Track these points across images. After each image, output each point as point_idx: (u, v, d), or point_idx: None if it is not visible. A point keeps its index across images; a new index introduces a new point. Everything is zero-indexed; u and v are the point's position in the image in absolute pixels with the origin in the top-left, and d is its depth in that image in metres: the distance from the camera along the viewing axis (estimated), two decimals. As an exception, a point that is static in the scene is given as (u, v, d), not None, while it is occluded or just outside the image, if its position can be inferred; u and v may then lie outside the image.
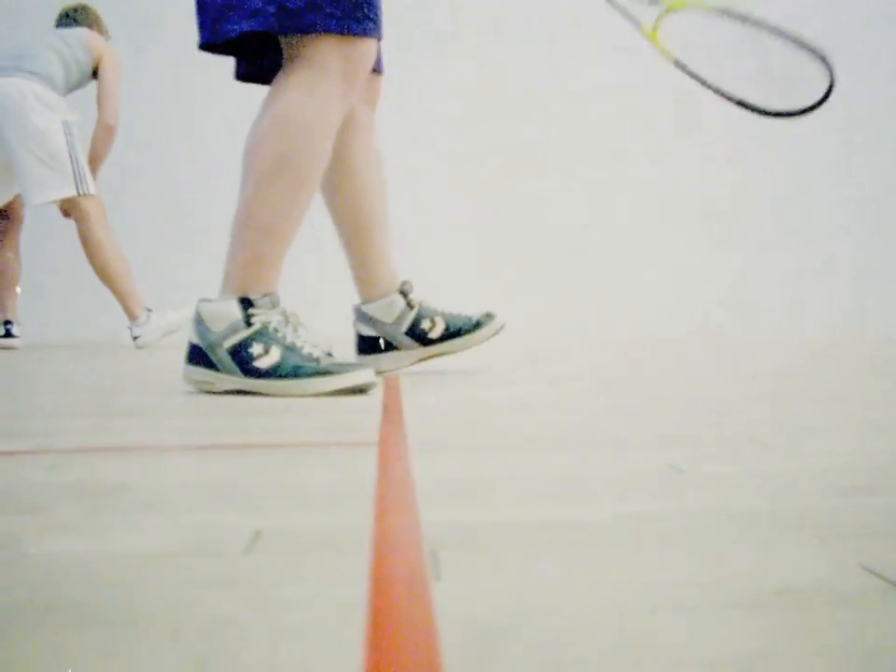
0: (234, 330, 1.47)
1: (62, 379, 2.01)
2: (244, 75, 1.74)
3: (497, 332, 1.93)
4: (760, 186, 5.03)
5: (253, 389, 1.46)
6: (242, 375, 1.46)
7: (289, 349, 1.45)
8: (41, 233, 4.64)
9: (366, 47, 1.56)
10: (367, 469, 0.76)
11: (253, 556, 0.50)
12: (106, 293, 3.74)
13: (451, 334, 1.90)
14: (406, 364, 1.92)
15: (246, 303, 1.48)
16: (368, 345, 1.92)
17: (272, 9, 1.50)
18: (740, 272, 4.97)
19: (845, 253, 5.03)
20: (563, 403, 1.38)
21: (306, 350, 1.46)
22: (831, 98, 1.83)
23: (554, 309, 4.71)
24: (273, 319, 1.48)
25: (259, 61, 1.72)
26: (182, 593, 0.44)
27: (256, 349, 1.45)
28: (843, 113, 5.08)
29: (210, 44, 1.59)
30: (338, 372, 1.43)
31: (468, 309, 2.01)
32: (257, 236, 1.52)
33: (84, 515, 0.60)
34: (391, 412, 1.21)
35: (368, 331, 1.92)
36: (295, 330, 1.51)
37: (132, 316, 3.45)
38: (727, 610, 0.41)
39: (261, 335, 1.46)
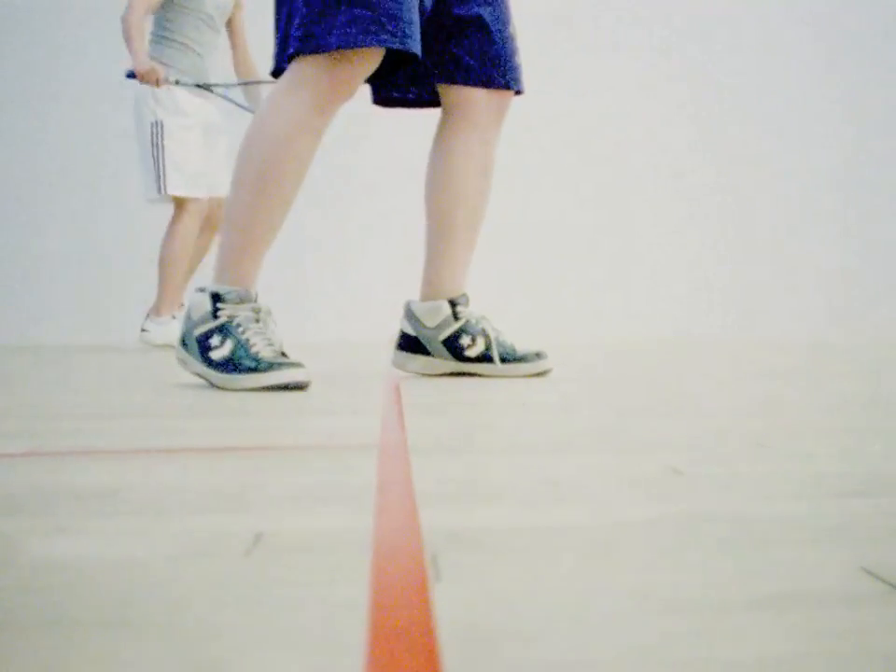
0: (204, 321, 1.61)
1: (59, 380, 2.01)
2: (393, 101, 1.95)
3: (538, 373, 1.89)
4: (754, 191, 5.03)
5: (204, 377, 1.60)
6: (201, 361, 1.60)
7: (241, 345, 1.57)
8: (43, 236, 4.65)
9: (346, 57, 1.61)
10: (367, 471, 0.76)
11: (254, 559, 0.50)
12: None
13: (486, 357, 1.89)
14: (435, 372, 1.92)
15: (216, 298, 1.62)
16: (405, 343, 1.93)
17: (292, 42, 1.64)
18: (738, 275, 4.97)
19: (842, 255, 5.03)
20: (562, 405, 1.38)
21: (255, 348, 1.56)
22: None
23: (552, 312, 4.71)
24: (240, 314, 1.61)
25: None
26: (182, 595, 0.44)
27: (215, 340, 1.59)
28: (838, 116, 5.08)
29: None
30: (267, 370, 1.53)
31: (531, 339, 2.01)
32: (233, 233, 1.67)
33: (83, 518, 0.60)
34: (392, 413, 1.21)
35: (408, 329, 1.93)
36: (265, 325, 1.62)
37: (156, 311, 3.56)
38: (727, 613, 0.41)
39: (223, 328, 1.59)
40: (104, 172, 4.68)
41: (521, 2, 4.80)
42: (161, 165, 3.46)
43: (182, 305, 3.55)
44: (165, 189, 3.46)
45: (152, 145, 3.46)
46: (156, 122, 3.46)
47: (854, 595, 0.43)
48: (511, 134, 4.72)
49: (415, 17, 1.65)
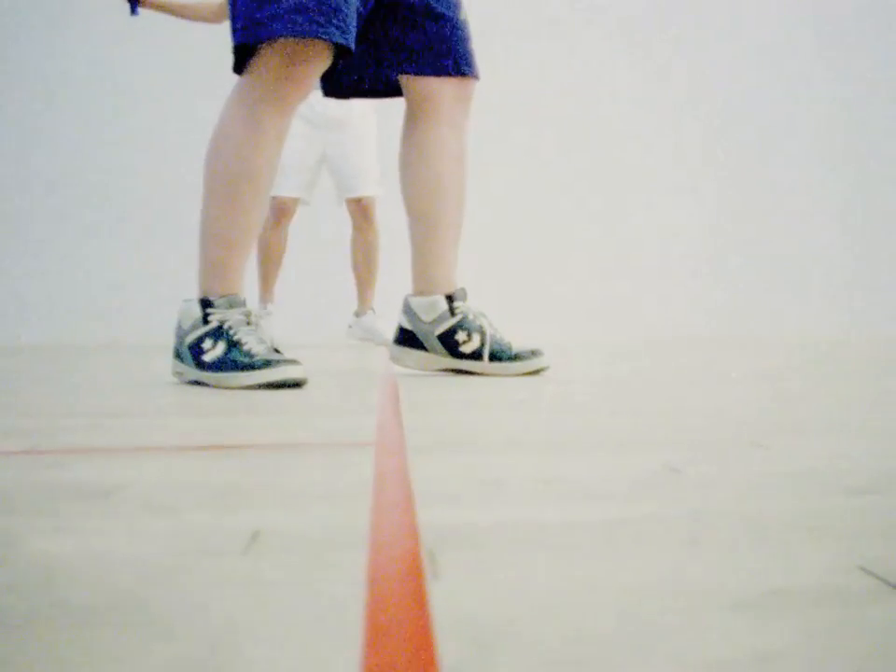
0: (195, 327, 1.62)
1: (57, 379, 2.01)
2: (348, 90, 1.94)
3: (533, 371, 1.87)
4: (756, 190, 5.03)
5: (200, 380, 1.60)
6: (195, 367, 1.61)
7: (234, 345, 1.57)
8: (42, 235, 4.64)
9: (297, 56, 1.61)
10: (364, 468, 0.76)
11: (251, 557, 0.50)
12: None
13: (482, 354, 1.88)
14: (430, 368, 1.91)
15: (206, 303, 1.63)
16: (402, 337, 1.92)
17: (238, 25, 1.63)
18: (739, 274, 4.97)
19: (844, 254, 5.04)
20: (560, 404, 1.38)
21: (247, 346, 1.57)
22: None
23: (553, 310, 4.71)
24: (231, 318, 1.61)
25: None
26: (180, 593, 0.44)
27: (207, 344, 1.60)
28: (843, 112, 5.09)
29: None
30: (264, 367, 1.53)
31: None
32: (209, 243, 1.68)
33: (81, 516, 0.60)
34: (389, 411, 1.21)
35: (405, 324, 1.92)
36: (257, 327, 1.63)
37: (260, 300, 3.72)
38: (725, 612, 0.41)
39: (215, 332, 1.60)
40: (103, 171, 4.67)
41: (521, 1, 4.80)
42: None
43: (267, 303, 3.70)
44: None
45: None
46: None
47: (852, 593, 0.43)
48: (511, 134, 4.72)
49: (354, 11, 1.65)
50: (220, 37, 3.73)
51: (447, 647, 0.36)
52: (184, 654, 0.36)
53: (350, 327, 3.86)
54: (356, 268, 3.78)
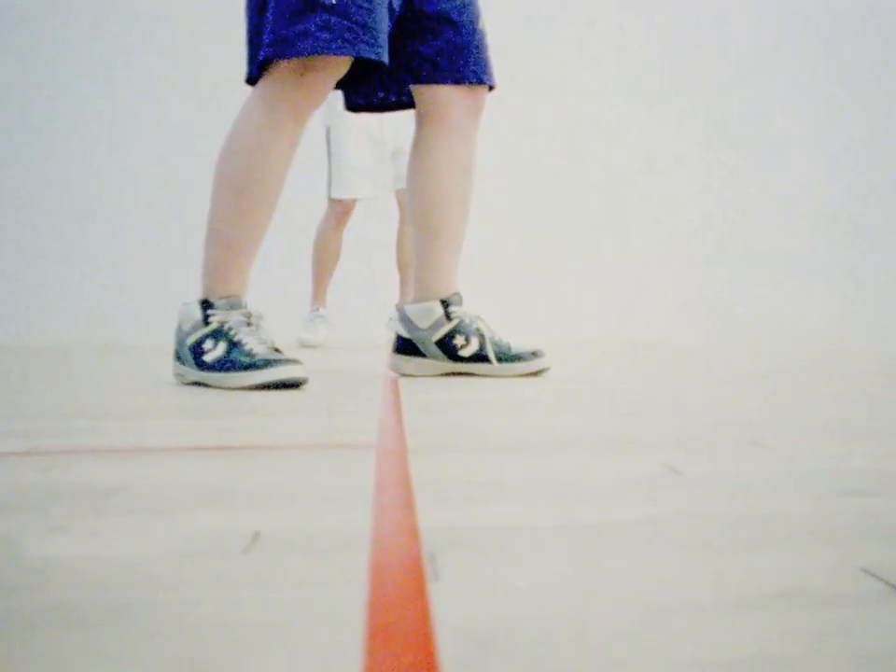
0: (195, 329, 1.63)
1: (57, 379, 2.01)
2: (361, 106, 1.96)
3: (533, 372, 1.86)
4: (757, 191, 5.03)
5: (201, 381, 1.61)
6: (196, 368, 1.62)
7: (234, 345, 1.59)
8: (42, 235, 4.64)
9: (318, 65, 1.62)
10: (365, 470, 0.76)
11: (252, 558, 0.50)
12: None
13: (481, 357, 1.88)
14: (431, 373, 1.90)
15: (206, 305, 1.64)
16: (401, 346, 1.92)
17: (268, 40, 1.62)
18: (737, 275, 4.97)
19: (840, 256, 5.04)
20: (561, 405, 1.38)
21: (248, 346, 1.58)
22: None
23: (552, 312, 4.71)
24: (231, 319, 1.62)
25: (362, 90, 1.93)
26: (180, 594, 0.44)
27: (208, 345, 1.61)
28: (844, 114, 5.09)
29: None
30: (264, 367, 1.53)
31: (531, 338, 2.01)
32: (214, 245, 1.68)
33: (80, 517, 0.60)
34: (390, 412, 1.21)
35: (403, 332, 1.92)
36: (258, 328, 1.64)
37: (312, 302, 3.78)
38: (726, 613, 0.41)
39: (216, 333, 1.61)
40: (104, 171, 4.67)
41: (519, 4, 4.80)
42: (330, 169, 3.57)
43: (319, 306, 3.73)
44: (331, 193, 3.58)
45: (327, 152, 3.57)
46: (328, 127, 3.57)
47: (853, 594, 0.43)
48: (511, 136, 4.72)
49: (385, 26, 1.66)
50: (227, 42, 3.73)
51: (447, 648, 0.36)
52: (183, 656, 0.36)
53: (391, 319, 3.84)
54: (400, 261, 3.73)
